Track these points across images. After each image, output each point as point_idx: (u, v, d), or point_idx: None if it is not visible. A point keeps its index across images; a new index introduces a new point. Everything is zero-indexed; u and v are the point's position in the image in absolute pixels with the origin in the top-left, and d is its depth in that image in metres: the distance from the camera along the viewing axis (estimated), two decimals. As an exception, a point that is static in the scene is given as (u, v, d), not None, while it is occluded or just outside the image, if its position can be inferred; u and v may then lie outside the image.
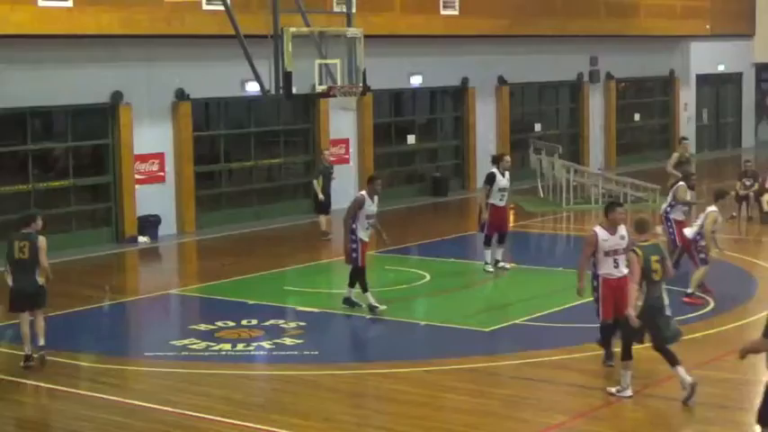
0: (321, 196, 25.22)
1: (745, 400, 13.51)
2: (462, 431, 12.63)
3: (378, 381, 14.53)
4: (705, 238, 18.42)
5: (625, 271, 13.92)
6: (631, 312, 13.11)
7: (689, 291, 18.35)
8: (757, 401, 13.53)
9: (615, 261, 14.23)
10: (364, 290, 18.01)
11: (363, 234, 17.86)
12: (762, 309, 17.88)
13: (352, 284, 18.15)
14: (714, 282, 19.40)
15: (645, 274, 13.16)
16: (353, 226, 17.80)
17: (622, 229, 14.45)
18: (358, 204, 17.85)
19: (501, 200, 21.04)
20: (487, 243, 21.11)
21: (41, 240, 15.28)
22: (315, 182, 25.47)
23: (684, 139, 27.80)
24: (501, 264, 21.23)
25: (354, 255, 17.84)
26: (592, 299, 14.81)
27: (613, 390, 13.47)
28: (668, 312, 13.40)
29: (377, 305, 17.93)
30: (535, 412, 13.26)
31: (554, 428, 12.65)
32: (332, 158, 27.23)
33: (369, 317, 17.82)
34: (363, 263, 17.95)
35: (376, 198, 18.07)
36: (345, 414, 13.25)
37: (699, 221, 18.66)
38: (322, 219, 25.33)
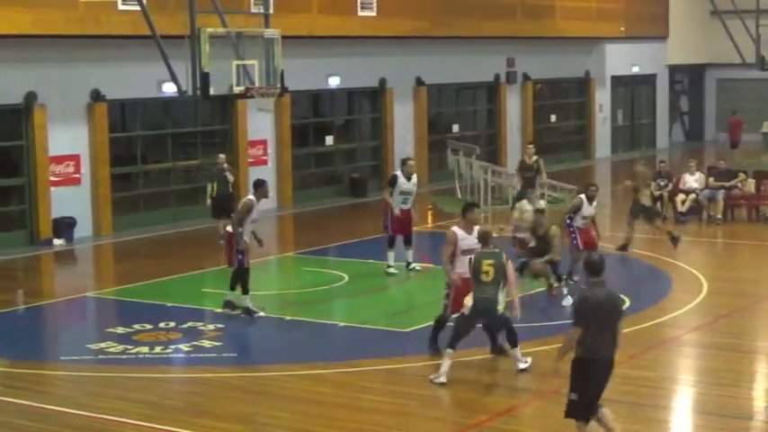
0: (208, 201, 24.89)
1: (659, 397, 13.70)
2: (381, 432, 12.66)
3: (296, 382, 14.50)
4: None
5: None
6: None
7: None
8: (672, 400, 13.80)
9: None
10: (245, 292, 17.91)
11: (247, 237, 17.83)
12: (677, 307, 18.21)
13: (233, 287, 18.03)
14: (630, 281, 19.68)
15: (474, 275, 14.05)
16: (240, 230, 17.72)
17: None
18: (247, 209, 17.75)
19: (403, 203, 21.03)
20: (390, 245, 21.20)
21: None
22: (209, 185, 25.08)
23: (529, 144, 28.18)
24: (412, 265, 21.28)
25: (240, 256, 17.74)
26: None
27: (432, 376, 14.02)
28: (500, 312, 14.29)
29: (255, 309, 17.87)
30: (454, 412, 13.33)
31: (473, 428, 12.70)
32: (253, 160, 26.97)
33: (288, 318, 17.77)
34: (249, 263, 17.88)
35: (262, 202, 18.16)
36: (264, 416, 13.20)
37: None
38: (221, 224, 24.71)
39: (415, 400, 13.62)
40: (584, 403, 10.89)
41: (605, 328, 10.74)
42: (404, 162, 21.59)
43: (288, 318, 17.85)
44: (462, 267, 14.81)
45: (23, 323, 18.93)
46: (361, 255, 23.24)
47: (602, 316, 10.70)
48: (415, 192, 21.39)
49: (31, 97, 25.06)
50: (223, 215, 24.71)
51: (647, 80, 46.77)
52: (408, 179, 21.07)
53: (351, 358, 15.62)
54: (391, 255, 21.18)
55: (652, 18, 44.89)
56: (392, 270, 21.05)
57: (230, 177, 25.22)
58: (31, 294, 20.73)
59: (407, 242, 21.32)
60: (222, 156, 25.82)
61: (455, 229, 15.39)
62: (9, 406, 13.66)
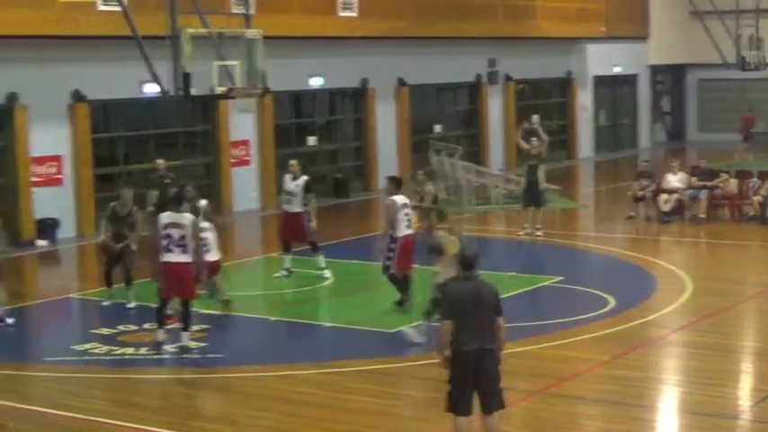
0: (150, 208, 23.07)
1: (644, 397, 13.71)
2: (368, 432, 12.63)
3: (283, 383, 14.45)
4: None
5: None
6: None
7: None
8: (658, 399, 13.80)
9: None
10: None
11: None
12: (662, 307, 18.23)
13: None
14: (614, 281, 19.66)
15: None
16: None
17: None
18: None
19: (287, 203, 20.74)
20: (285, 249, 21.01)
21: None
22: (149, 193, 23.75)
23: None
24: (324, 272, 20.87)
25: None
26: None
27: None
28: None
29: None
30: (441, 413, 13.23)
31: (459, 428, 12.65)
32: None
33: (273, 319, 17.69)
34: None
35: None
36: (251, 417, 13.16)
37: None
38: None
39: (402, 401, 13.62)
40: (458, 396, 10.97)
41: (470, 321, 10.80)
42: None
43: (273, 318, 17.81)
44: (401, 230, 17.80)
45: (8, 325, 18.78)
46: (345, 255, 23.19)
47: (466, 309, 10.78)
48: (301, 194, 20.56)
49: (12, 98, 24.96)
50: None
51: (629, 80, 46.85)
52: (294, 179, 20.73)
53: (336, 359, 15.57)
54: (285, 258, 21.04)
55: (632, 18, 44.98)
56: (280, 273, 20.94)
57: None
58: (15, 296, 20.56)
59: (313, 249, 20.93)
60: (161, 161, 24.58)
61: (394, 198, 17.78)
62: (-7, 408, 13.59)
